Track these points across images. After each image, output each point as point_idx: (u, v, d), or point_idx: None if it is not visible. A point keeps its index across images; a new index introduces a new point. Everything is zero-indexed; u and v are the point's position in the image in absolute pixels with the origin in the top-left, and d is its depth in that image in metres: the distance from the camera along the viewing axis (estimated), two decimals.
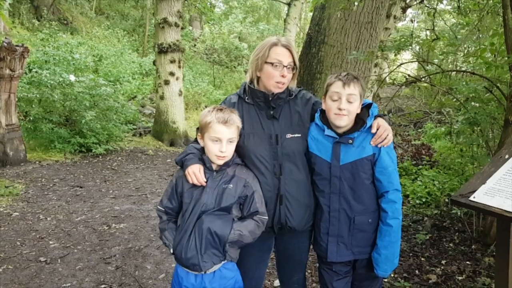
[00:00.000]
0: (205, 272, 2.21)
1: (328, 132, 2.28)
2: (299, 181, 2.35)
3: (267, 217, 2.28)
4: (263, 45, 2.35)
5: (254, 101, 2.38)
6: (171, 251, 2.28)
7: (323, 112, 2.35)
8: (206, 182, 2.21)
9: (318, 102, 2.44)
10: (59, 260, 4.12)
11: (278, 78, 2.29)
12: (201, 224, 2.17)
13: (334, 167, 2.28)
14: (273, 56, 2.29)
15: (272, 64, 2.28)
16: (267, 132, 2.32)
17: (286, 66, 2.29)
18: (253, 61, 2.37)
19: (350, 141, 2.24)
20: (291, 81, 2.39)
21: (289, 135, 2.33)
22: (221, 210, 2.20)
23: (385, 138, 2.23)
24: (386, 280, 3.62)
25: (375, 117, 2.29)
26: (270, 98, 2.33)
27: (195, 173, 2.21)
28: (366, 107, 2.31)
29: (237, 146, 2.31)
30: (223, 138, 2.17)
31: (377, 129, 2.24)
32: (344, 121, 2.24)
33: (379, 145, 2.23)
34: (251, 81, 2.42)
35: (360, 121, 2.28)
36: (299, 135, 2.35)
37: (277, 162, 2.31)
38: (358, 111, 2.28)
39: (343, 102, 2.21)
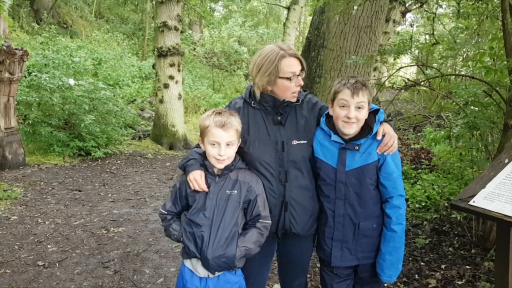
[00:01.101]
0: (208, 275, 2.22)
1: (334, 137, 2.26)
2: (304, 187, 2.33)
3: (270, 221, 2.26)
4: (269, 59, 2.25)
5: (260, 106, 2.34)
6: (181, 240, 2.24)
7: (329, 116, 2.33)
8: (208, 187, 2.20)
9: (325, 107, 2.41)
10: (57, 264, 4.11)
11: (295, 89, 2.28)
12: (206, 252, 2.14)
13: (340, 172, 2.26)
14: (286, 69, 2.23)
15: (289, 78, 2.24)
16: (273, 139, 2.30)
17: (299, 76, 2.27)
18: (264, 76, 2.26)
19: (357, 147, 2.23)
20: None
21: (295, 142, 2.30)
22: (227, 229, 2.17)
23: (391, 146, 2.22)
24: (386, 284, 3.60)
25: (381, 122, 2.28)
26: (279, 104, 2.29)
27: (197, 180, 2.19)
28: (373, 113, 2.29)
29: (242, 153, 2.30)
30: (221, 141, 2.16)
31: (383, 136, 2.23)
32: (353, 129, 2.22)
33: (385, 153, 2.23)
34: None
35: (367, 127, 2.26)
36: (305, 141, 2.32)
37: (283, 169, 2.29)
38: (366, 116, 2.26)
39: (351, 111, 2.18)
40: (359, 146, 2.23)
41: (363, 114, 2.22)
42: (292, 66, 2.25)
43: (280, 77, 2.24)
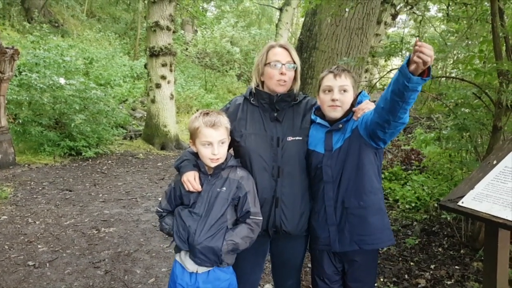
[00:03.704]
0: (197, 271, 2.23)
1: (320, 120, 2.35)
2: (297, 184, 2.37)
3: (261, 218, 2.27)
4: (262, 51, 2.43)
5: (259, 103, 2.42)
6: (172, 233, 2.29)
7: (317, 110, 2.43)
8: (201, 186, 2.24)
9: None
10: (47, 264, 4.09)
11: (278, 76, 2.34)
12: (195, 242, 2.17)
13: (326, 156, 2.31)
14: (271, 57, 2.36)
15: (270, 64, 2.34)
16: (269, 134, 2.36)
17: (284, 65, 2.34)
18: (255, 68, 2.44)
19: (341, 125, 2.30)
20: (294, 81, 2.43)
21: (290, 138, 2.36)
22: (214, 221, 2.20)
23: (365, 108, 2.26)
24: (376, 285, 3.63)
25: None
26: (275, 100, 2.36)
27: (190, 181, 2.23)
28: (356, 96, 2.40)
29: (238, 147, 2.36)
30: (213, 141, 2.19)
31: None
32: (338, 113, 2.30)
33: (359, 115, 2.25)
34: (257, 85, 2.47)
35: (350, 107, 2.35)
36: (300, 138, 2.38)
37: (276, 164, 2.33)
38: (351, 100, 2.33)
39: (335, 93, 2.27)
40: (343, 124, 2.30)
41: (348, 98, 2.31)
42: (277, 54, 2.36)
43: (265, 64, 2.37)
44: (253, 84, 2.45)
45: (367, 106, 2.27)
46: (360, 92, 2.39)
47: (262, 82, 2.45)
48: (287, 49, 2.38)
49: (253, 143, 2.35)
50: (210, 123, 2.19)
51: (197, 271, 2.24)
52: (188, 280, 2.25)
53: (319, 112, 2.41)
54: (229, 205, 2.24)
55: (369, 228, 2.29)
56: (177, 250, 2.30)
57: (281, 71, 2.33)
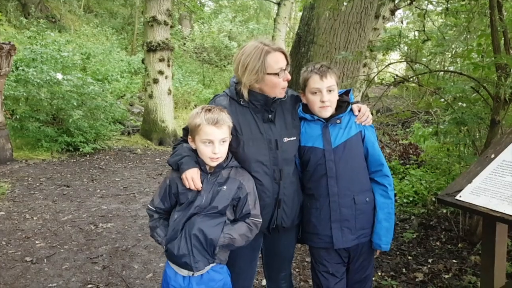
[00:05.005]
0: (193, 274, 2.18)
1: (316, 116, 2.35)
2: (294, 183, 2.37)
3: (260, 220, 2.23)
4: (255, 56, 2.20)
5: (250, 104, 2.29)
6: (164, 247, 2.22)
7: (303, 105, 2.44)
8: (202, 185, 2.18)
9: None
10: (45, 260, 4.08)
11: (283, 84, 2.27)
12: (192, 225, 2.12)
13: (327, 151, 2.32)
14: (273, 65, 2.20)
15: (277, 74, 2.22)
16: (266, 137, 2.27)
17: (285, 70, 2.26)
18: (251, 75, 2.21)
19: (338, 120, 2.33)
20: None
21: (286, 139, 2.31)
22: (214, 212, 2.15)
23: (368, 116, 2.37)
24: (373, 279, 3.64)
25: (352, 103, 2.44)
26: (271, 102, 2.28)
27: (194, 179, 2.14)
28: (344, 93, 2.45)
29: (235, 153, 2.26)
30: (215, 139, 2.10)
31: (359, 111, 2.39)
32: (329, 112, 2.33)
33: (363, 123, 2.36)
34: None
35: (344, 103, 2.39)
36: (294, 138, 2.35)
37: (277, 167, 2.28)
38: (337, 98, 2.38)
39: (324, 94, 2.29)
40: (340, 119, 2.34)
41: (335, 96, 2.35)
42: (279, 61, 2.23)
43: (268, 73, 2.21)
44: (245, 90, 2.26)
45: (370, 117, 2.39)
46: (350, 90, 2.48)
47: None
48: (282, 52, 2.26)
49: (253, 149, 2.25)
50: (213, 121, 2.09)
51: (192, 274, 2.19)
52: (182, 282, 2.20)
53: (307, 109, 2.40)
54: (229, 204, 2.18)
55: (369, 223, 2.40)
56: (169, 259, 2.24)
57: (286, 77, 2.26)
